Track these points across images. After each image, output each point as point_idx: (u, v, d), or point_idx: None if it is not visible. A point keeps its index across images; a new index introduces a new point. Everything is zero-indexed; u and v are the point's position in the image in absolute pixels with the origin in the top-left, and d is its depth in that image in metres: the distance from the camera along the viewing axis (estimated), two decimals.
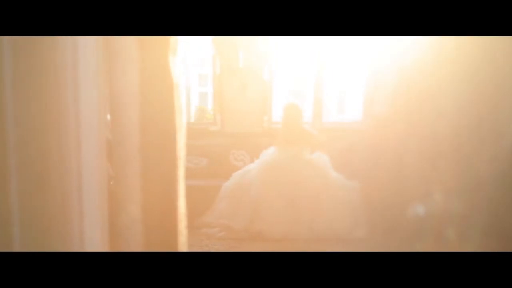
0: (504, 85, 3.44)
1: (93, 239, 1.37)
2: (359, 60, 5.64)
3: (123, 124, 1.45)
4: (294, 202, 4.15)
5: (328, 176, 4.34)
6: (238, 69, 5.28)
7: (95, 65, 1.28)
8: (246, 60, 5.27)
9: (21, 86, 1.30)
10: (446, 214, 3.06)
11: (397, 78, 4.24)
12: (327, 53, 5.40)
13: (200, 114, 6.45)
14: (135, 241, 1.54)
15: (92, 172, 1.31)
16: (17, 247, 1.36)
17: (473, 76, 3.95)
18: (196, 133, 5.51)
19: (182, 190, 1.65)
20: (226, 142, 5.17)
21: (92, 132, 1.28)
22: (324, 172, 4.35)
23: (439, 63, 4.29)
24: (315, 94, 5.31)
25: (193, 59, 10.21)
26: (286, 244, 3.94)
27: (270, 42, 5.34)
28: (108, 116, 1.50)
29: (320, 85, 5.29)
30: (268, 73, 5.33)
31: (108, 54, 1.41)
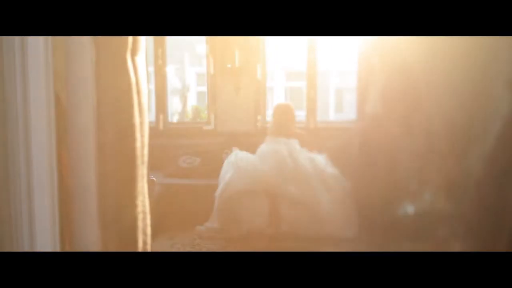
0: (496, 84, 3.44)
1: (44, 239, 1.35)
2: (353, 58, 5.63)
3: (79, 123, 1.44)
4: (281, 199, 4.16)
5: (320, 169, 4.36)
6: (232, 68, 5.28)
7: (44, 65, 1.27)
8: (240, 59, 5.26)
9: None
10: (437, 214, 3.05)
11: (389, 77, 4.24)
12: (321, 50, 5.39)
13: (195, 114, 6.45)
14: (91, 240, 1.53)
15: (42, 172, 1.31)
16: None
17: (466, 75, 3.96)
18: (190, 133, 5.52)
19: (142, 188, 1.64)
20: (219, 141, 5.16)
21: (40, 132, 1.28)
22: (315, 165, 4.37)
23: (432, 62, 4.29)
24: (308, 93, 5.30)
25: (190, 58, 10.22)
26: (277, 244, 3.95)
27: (264, 41, 5.34)
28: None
29: (314, 84, 5.27)
30: (262, 72, 5.32)
31: (65, 54, 1.41)
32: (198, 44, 6.58)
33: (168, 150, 5.13)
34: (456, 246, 2.90)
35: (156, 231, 4.14)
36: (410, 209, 3.18)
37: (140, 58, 1.66)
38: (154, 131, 5.44)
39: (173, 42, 6.03)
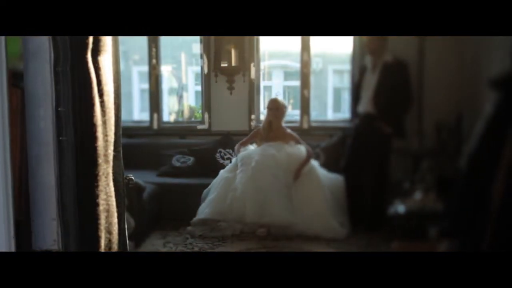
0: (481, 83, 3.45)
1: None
2: (346, 57, 5.64)
3: (38, 122, 1.45)
4: (272, 195, 4.17)
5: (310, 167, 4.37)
6: (227, 68, 5.28)
7: None
8: (235, 59, 5.27)
9: None
10: (426, 213, 3.06)
11: (381, 76, 4.25)
12: (316, 49, 5.39)
13: (190, 113, 6.46)
14: (50, 239, 1.53)
15: None
16: None
17: (456, 74, 3.97)
18: (185, 132, 5.53)
19: (107, 186, 1.64)
20: (213, 140, 5.17)
21: None
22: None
23: (422, 61, 4.30)
24: (302, 93, 5.31)
25: (188, 58, 10.19)
26: (267, 242, 3.96)
27: (259, 41, 5.34)
28: None
29: (307, 83, 5.28)
30: (255, 72, 5.33)
31: (22, 53, 1.41)
32: (194, 44, 6.56)
33: (162, 149, 5.14)
34: (444, 245, 2.92)
35: (149, 230, 4.18)
36: (400, 208, 3.19)
37: (105, 58, 1.67)
38: (148, 131, 5.46)
39: (169, 41, 6.04)
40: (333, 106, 12.49)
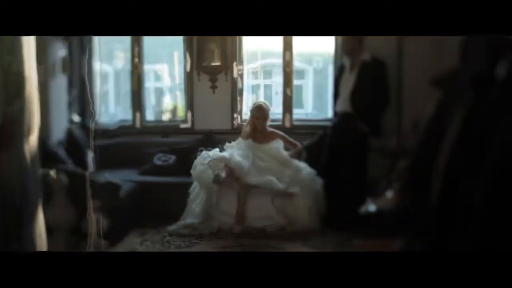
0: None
1: None
2: (326, 56, 5.67)
3: None
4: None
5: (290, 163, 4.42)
6: (209, 67, 5.29)
7: None
8: (217, 58, 5.28)
9: None
10: (396, 212, 3.09)
11: (358, 75, 4.27)
12: (297, 48, 5.41)
13: (173, 112, 6.44)
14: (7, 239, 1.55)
15: None
16: None
17: (435, 73, 4.00)
18: (167, 131, 5.53)
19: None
20: (195, 139, 5.18)
21: None
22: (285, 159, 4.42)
23: (401, 60, 4.33)
24: (284, 91, 5.32)
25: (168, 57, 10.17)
26: (244, 240, 3.98)
27: (241, 40, 5.35)
28: None
29: (290, 82, 5.29)
30: (238, 71, 5.34)
31: None
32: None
33: (143, 148, 5.15)
34: (417, 245, 2.94)
35: (128, 228, 4.19)
36: (371, 207, 3.21)
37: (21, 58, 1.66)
38: (130, 130, 5.46)
39: (156, 41, 6.02)
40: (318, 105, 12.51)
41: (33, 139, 1.71)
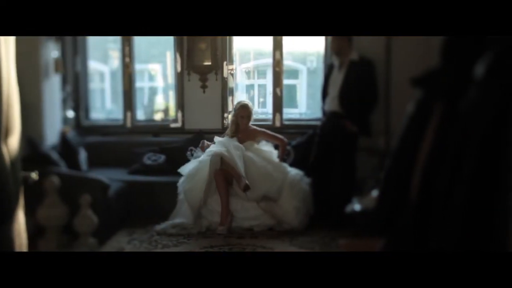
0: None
1: None
2: (320, 56, 5.67)
3: None
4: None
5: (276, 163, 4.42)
6: (199, 66, 5.28)
7: None
8: (207, 57, 5.27)
9: None
10: (384, 211, 3.09)
11: (347, 74, 4.28)
12: (291, 48, 5.40)
13: (166, 111, 6.44)
14: None
15: None
16: None
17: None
18: (158, 130, 5.52)
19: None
20: (185, 139, 5.17)
21: None
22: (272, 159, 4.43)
23: (389, 59, 4.35)
24: (274, 91, 5.32)
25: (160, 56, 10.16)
26: (231, 240, 3.98)
27: (231, 40, 5.35)
28: None
29: (279, 81, 5.29)
30: (229, 70, 5.34)
31: None
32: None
33: (133, 148, 5.13)
34: (398, 245, 2.95)
35: (116, 227, 4.17)
36: (356, 206, 3.21)
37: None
38: (121, 129, 5.44)
39: (148, 40, 6.01)
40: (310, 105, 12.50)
41: (12, 140, 1.70)
